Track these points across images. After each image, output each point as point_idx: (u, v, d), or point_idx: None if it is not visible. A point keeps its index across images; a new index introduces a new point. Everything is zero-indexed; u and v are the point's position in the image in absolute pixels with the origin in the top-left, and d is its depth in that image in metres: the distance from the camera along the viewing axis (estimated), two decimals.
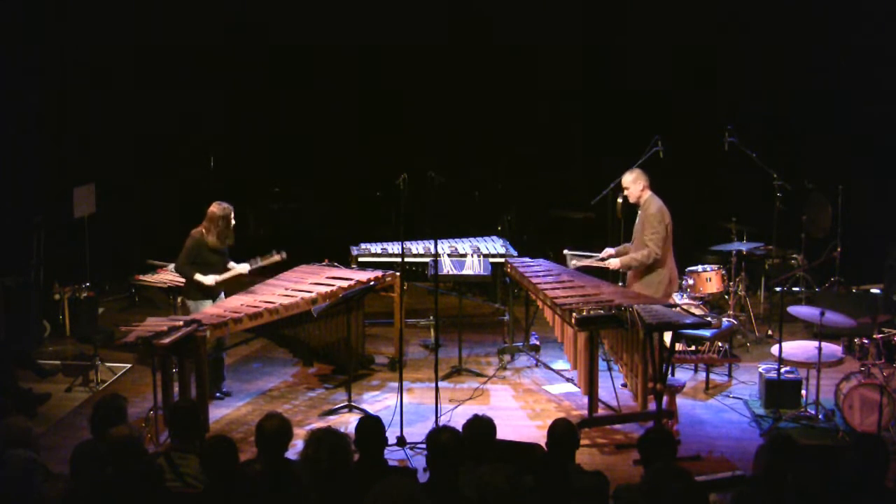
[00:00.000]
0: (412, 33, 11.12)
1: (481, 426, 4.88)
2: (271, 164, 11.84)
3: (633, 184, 7.89)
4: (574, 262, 8.32)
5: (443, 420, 7.08)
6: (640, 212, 7.91)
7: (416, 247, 9.02)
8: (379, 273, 8.43)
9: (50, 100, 10.69)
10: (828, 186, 9.55)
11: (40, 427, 7.06)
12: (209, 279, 7.77)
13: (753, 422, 7.42)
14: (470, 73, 11.25)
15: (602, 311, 7.02)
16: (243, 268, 8.05)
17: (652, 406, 6.91)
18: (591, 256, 8.25)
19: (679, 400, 7.41)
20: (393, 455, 6.57)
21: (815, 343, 7.18)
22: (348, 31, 11.31)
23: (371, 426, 4.88)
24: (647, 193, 7.87)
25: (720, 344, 7.61)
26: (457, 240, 9.31)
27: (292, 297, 7.73)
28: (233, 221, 7.85)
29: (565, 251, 8.34)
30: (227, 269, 7.98)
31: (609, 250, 8.20)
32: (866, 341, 7.65)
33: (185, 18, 11.09)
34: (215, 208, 7.80)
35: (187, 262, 7.81)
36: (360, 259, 8.99)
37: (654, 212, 7.77)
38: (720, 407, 7.75)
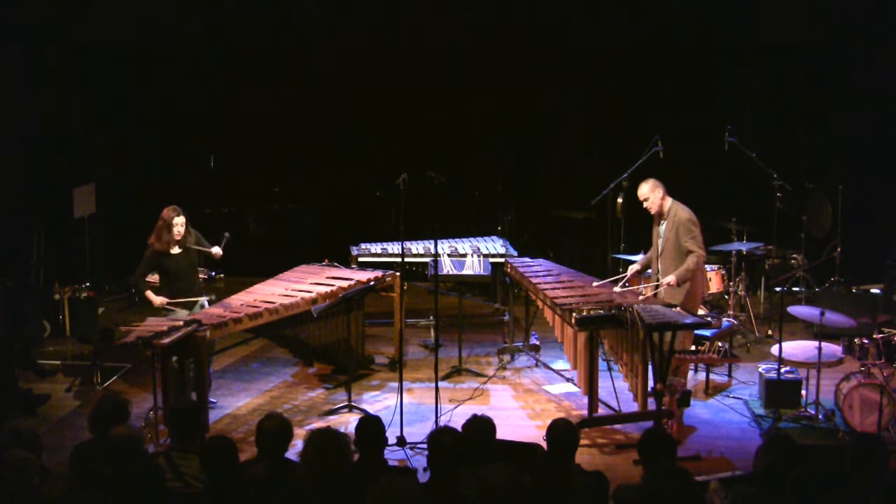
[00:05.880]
0: (413, 33, 11.14)
1: (481, 426, 4.88)
2: (271, 165, 11.84)
3: (652, 193, 7.58)
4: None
5: (443, 420, 7.08)
6: (666, 220, 7.61)
7: (416, 247, 9.02)
8: (379, 273, 8.43)
9: (51, 99, 10.69)
10: (828, 186, 9.55)
11: (40, 427, 7.06)
12: (158, 300, 7.56)
13: (753, 422, 7.42)
14: (470, 73, 11.27)
15: (602, 311, 7.02)
16: (203, 300, 7.80)
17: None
18: (622, 279, 7.73)
19: None
20: (393, 455, 6.57)
21: (815, 343, 7.17)
22: (348, 31, 11.32)
23: (371, 426, 4.88)
24: (669, 200, 7.61)
25: (720, 344, 7.61)
26: (457, 240, 9.31)
27: (292, 297, 7.73)
28: (177, 228, 7.56)
29: (615, 289, 7.62)
30: (194, 280, 7.79)
31: (634, 267, 7.94)
32: (866, 341, 7.64)
33: (183, 17, 11.11)
34: (164, 210, 7.62)
35: (142, 273, 7.64)
36: (360, 259, 9.00)
37: (688, 216, 7.52)
38: (720, 407, 7.75)
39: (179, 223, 7.59)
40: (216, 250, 7.79)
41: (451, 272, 8.82)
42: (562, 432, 4.86)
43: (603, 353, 7.49)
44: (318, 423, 7.27)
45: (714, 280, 8.93)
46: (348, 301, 7.71)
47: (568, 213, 11.13)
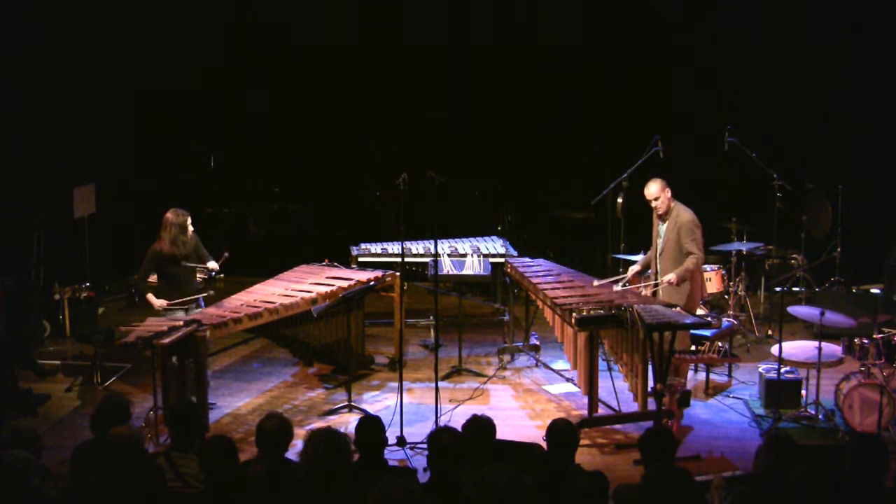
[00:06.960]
0: (413, 33, 11.14)
1: (481, 426, 4.88)
2: (271, 165, 11.83)
3: (662, 192, 7.67)
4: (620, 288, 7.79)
5: (443, 420, 7.08)
6: (668, 221, 7.71)
7: (416, 247, 9.02)
8: (379, 273, 8.43)
9: (50, 99, 10.69)
10: (828, 186, 9.55)
11: (40, 427, 7.06)
12: (159, 302, 7.54)
13: (753, 422, 7.42)
14: (469, 73, 11.26)
15: (602, 311, 7.02)
16: (196, 299, 7.76)
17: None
18: (622, 280, 7.84)
19: None
20: (393, 455, 6.57)
21: (815, 343, 7.17)
22: (349, 31, 11.31)
23: (371, 426, 4.88)
24: (673, 201, 7.73)
25: (720, 344, 7.61)
26: (457, 240, 9.31)
27: (292, 297, 7.73)
28: (190, 229, 7.59)
29: (615, 288, 7.67)
30: (193, 279, 7.78)
31: (635, 267, 8.03)
32: (866, 341, 7.65)
33: (183, 18, 11.11)
34: (170, 214, 7.57)
35: (144, 276, 7.64)
36: (360, 259, 8.99)
37: (690, 218, 7.62)
38: (720, 407, 7.75)
39: (189, 222, 7.63)
40: (212, 265, 7.79)
41: (451, 272, 8.82)
42: (562, 432, 4.86)
43: (603, 353, 7.49)
44: (318, 423, 7.28)
45: (714, 280, 8.93)
46: (348, 301, 7.71)
47: (568, 213, 11.14)
